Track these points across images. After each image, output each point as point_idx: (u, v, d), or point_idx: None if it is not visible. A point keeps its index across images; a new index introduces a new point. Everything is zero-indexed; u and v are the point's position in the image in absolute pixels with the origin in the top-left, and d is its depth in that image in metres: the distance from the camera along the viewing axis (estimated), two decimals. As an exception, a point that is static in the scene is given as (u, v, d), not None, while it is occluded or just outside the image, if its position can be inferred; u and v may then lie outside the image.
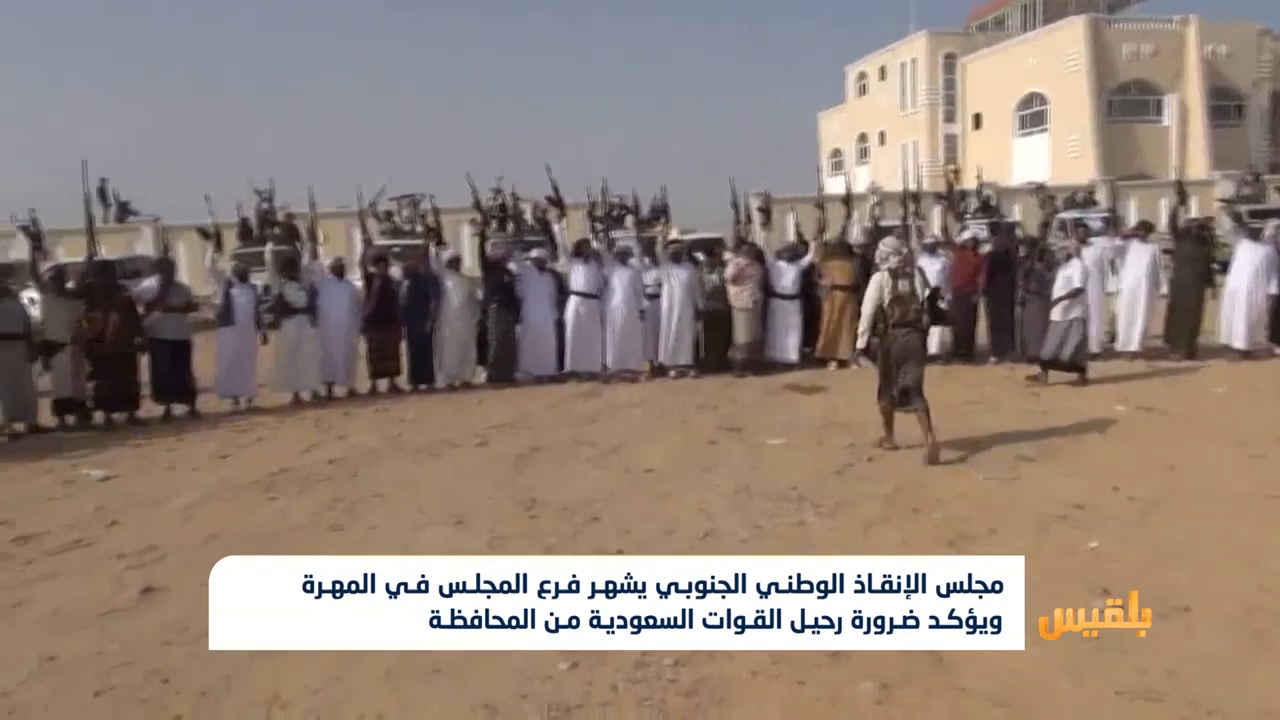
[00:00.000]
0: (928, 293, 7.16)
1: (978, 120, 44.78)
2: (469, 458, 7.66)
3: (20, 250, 16.23)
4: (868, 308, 7.26)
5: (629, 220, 18.04)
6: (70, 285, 9.68)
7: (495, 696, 3.50)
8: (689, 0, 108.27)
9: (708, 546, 5.18)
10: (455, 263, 11.28)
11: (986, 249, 11.88)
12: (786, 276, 11.42)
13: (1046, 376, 9.93)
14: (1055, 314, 9.84)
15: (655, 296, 11.38)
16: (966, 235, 12.10)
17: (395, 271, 11.05)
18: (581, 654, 3.81)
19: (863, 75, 53.45)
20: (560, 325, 11.19)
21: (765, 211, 14.49)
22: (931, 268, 11.42)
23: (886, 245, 7.30)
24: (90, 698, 3.61)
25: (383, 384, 10.86)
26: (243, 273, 10.12)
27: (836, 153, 56.62)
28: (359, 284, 10.85)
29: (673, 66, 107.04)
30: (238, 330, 9.85)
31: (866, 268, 11.41)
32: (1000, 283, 11.26)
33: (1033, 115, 41.49)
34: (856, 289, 11.32)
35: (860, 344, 7.57)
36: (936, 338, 11.43)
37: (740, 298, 11.17)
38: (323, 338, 10.33)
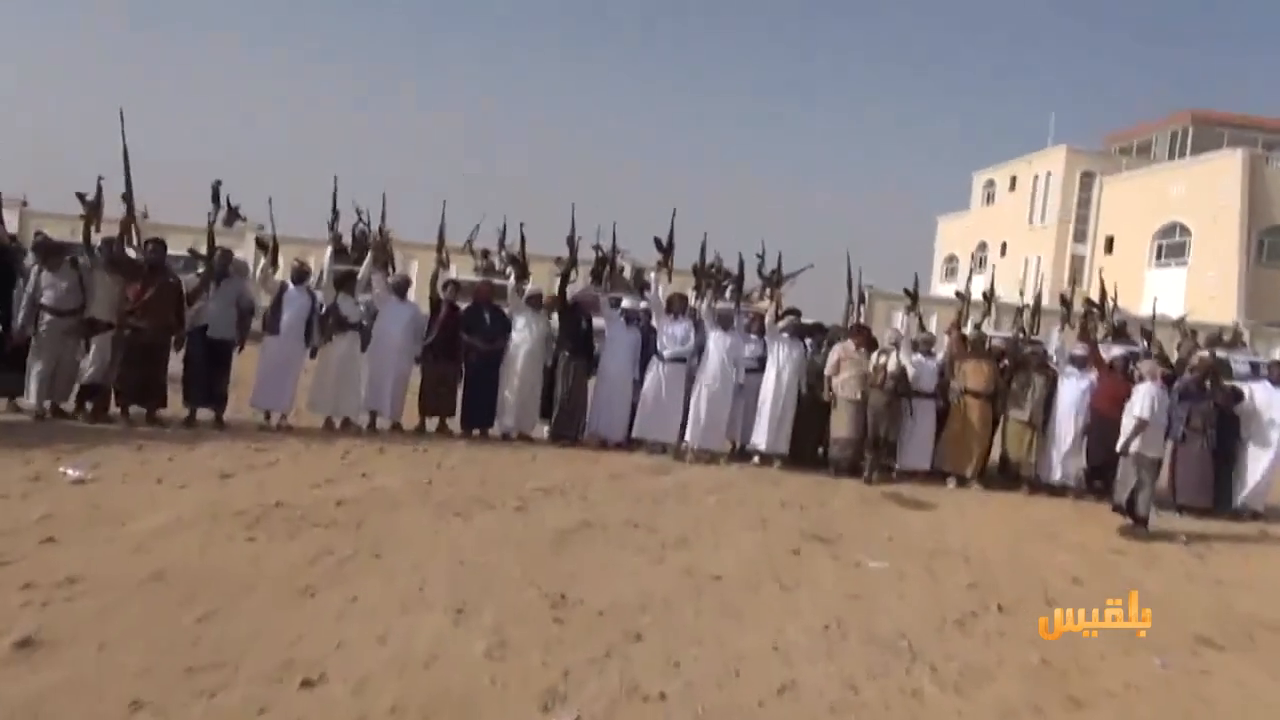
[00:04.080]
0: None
1: (1110, 244, 42.38)
2: (502, 524, 6.35)
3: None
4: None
5: (729, 291, 16.76)
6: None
7: None
8: (812, 83, 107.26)
9: (784, 708, 3.72)
10: (535, 300, 10.12)
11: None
12: (923, 372, 9.90)
13: (1141, 527, 8.13)
14: (1119, 447, 8.15)
15: (749, 371, 10.01)
16: (1115, 353, 10.42)
17: (464, 304, 9.95)
18: None
19: (990, 183, 51.50)
20: (639, 386, 9.89)
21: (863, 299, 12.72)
22: (1077, 386, 9.80)
23: (890, 332, 10.17)
24: None
25: (432, 423, 9.69)
26: (300, 274, 9.15)
27: (951, 259, 54.61)
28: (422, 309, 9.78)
29: (786, 146, 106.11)
30: (283, 339, 8.84)
31: (1005, 373, 9.93)
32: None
33: (1171, 246, 38.92)
34: (993, 397, 9.79)
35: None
36: (1066, 468, 9.76)
37: (847, 387, 9.67)
38: (373, 361, 9.27)
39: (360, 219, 21.74)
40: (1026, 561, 6.86)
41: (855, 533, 7.20)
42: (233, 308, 8.76)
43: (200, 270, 8.81)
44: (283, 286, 8.96)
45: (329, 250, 9.61)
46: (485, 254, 23.56)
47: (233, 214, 29.68)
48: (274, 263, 9.27)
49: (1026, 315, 11.33)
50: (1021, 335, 10.80)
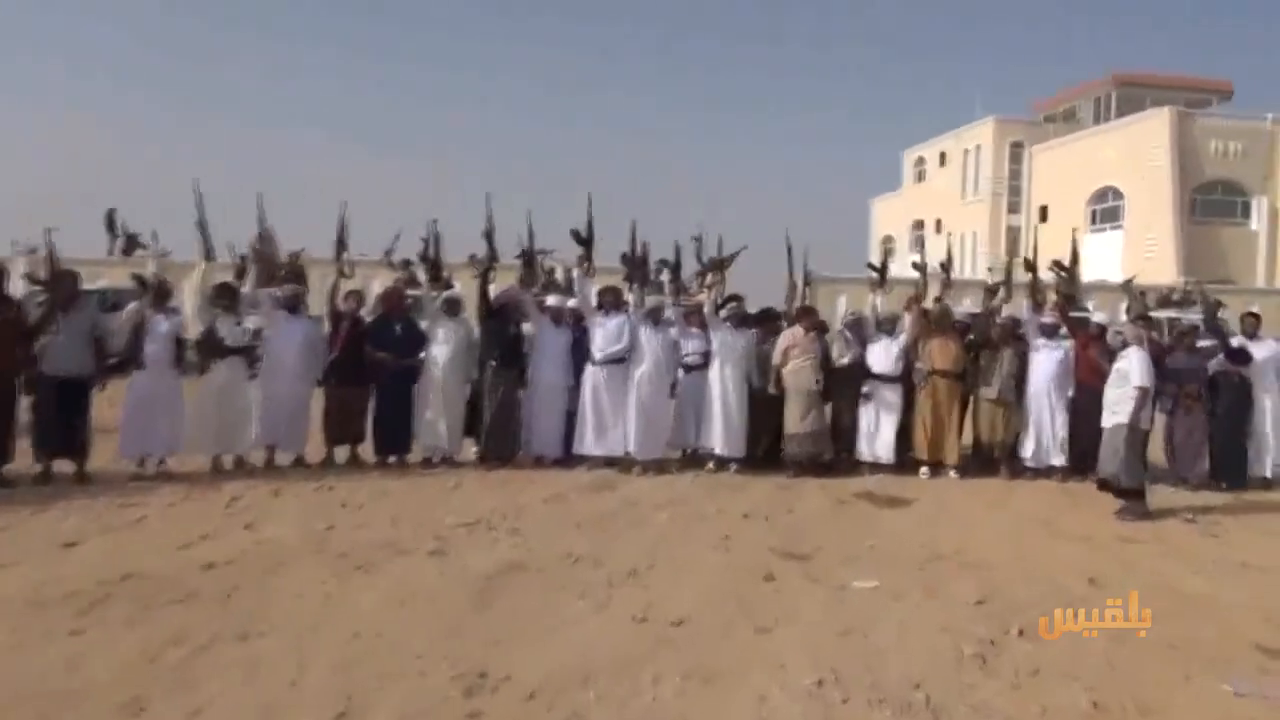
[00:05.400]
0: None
1: (1044, 213, 42.26)
2: (413, 575, 5.20)
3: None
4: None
5: (666, 283, 15.61)
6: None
7: None
8: (738, 74, 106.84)
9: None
10: (453, 305, 8.98)
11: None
12: (886, 353, 8.99)
13: (1138, 503, 7.32)
14: (1104, 418, 7.39)
15: (693, 368, 9.00)
16: (1099, 319, 9.66)
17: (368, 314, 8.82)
18: None
19: (921, 160, 51.31)
20: (574, 394, 8.80)
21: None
22: (1051, 357, 8.94)
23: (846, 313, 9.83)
24: None
25: (341, 452, 8.48)
26: (164, 293, 7.89)
27: (888, 239, 54.41)
28: (320, 323, 8.61)
29: (716, 140, 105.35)
30: (150, 372, 7.57)
31: (971, 350, 9.05)
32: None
33: (1105, 211, 38.89)
34: (962, 376, 8.91)
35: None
36: (1047, 448, 8.89)
37: (800, 376, 8.70)
38: (265, 388, 8.05)
39: (263, 230, 20.24)
40: (1033, 562, 5.92)
41: (833, 544, 6.20)
42: (85, 340, 7.44)
43: (41, 299, 7.46)
44: (140, 314, 7.66)
45: (199, 268, 8.35)
46: (407, 264, 22.09)
47: (131, 242, 27.85)
48: (155, 302, 7.81)
49: (1000, 290, 10.29)
50: (991, 309, 9.79)
